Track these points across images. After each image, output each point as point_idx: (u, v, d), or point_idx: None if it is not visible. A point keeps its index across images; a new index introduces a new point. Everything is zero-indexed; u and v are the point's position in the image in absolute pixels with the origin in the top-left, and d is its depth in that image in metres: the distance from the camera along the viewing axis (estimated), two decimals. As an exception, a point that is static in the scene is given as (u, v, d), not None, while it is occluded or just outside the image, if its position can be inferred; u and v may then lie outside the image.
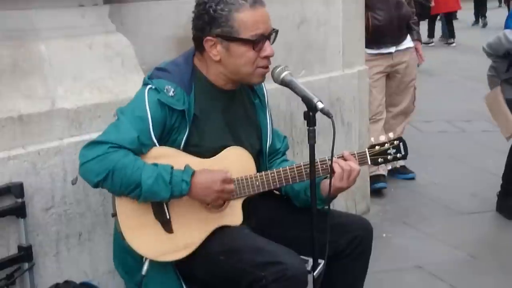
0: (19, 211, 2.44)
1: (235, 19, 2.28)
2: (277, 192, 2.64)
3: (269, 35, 2.35)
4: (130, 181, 2.21)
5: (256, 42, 2.30)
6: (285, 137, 2.73)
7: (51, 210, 2.56)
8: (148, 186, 2.21)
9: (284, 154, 2.69)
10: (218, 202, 2.34)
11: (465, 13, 16.03)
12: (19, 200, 2.43)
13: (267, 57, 2.35)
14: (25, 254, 2.47)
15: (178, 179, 2.23)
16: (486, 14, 16.65)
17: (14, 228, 2.46)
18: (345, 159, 2.40)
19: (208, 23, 2.30)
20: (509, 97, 4.39)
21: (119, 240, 2.37)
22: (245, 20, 2.28)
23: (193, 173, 2.26)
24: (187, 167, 2.27)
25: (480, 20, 16.68)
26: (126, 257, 2.41)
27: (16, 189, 2.42)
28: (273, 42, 2.39)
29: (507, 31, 4.34)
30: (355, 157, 2.42)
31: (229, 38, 2.29)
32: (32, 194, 2.49)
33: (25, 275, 2.49)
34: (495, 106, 4.46)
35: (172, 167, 2.25)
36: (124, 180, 2.21)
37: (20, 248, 2.46)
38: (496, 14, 15.77)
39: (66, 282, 2.51)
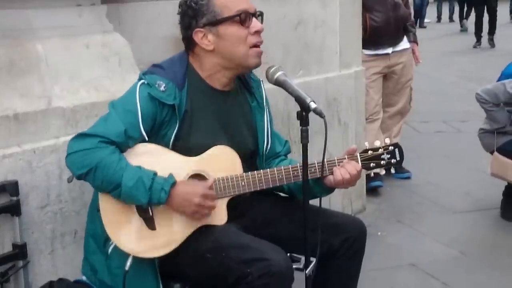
0: (14, 209, 2.44)
1: (215, 4, 2.36)
2: (275, 192, 2.65)
3: (254, 13, 2.41)
4: (111, 180, 2.22)
5: (242, 19, 2.36)
6: (286, 141, 2.73)
7: (47, 208, 2.57)
8: (127, 188, 2.22)
9: (285, 156, 2.69)
10: (196, 216, 2.31)
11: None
12: (14, 198, 2.44)
13: (258, 32, 2.40)
14: (20, 252, 2.47)
15: (158, 187, 2.22)
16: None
17: (9, 226, 2.47)
18: (345, 165, 2.40)
19: (193, 17, 2.38)
20: (502, 144, 4.35)
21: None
22: (224, 1, 2.36)
23: (174, 183, 2.25)
24: (170, 176, 2.26)
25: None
26: (88, 240, 2.45)
27: (11, 187, 2.42)
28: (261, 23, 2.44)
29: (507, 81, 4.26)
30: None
31: (215, 22, 2.35)
32: (27, 192, 2.50)
33: (20, 273, 2.50)
34: (502, 167, 4.36)
35: (155, 173, 2.25)
36: (105, 178, 2.23)
37: (14, 246, 2.47)
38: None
39: (60, 280, 2.51)
